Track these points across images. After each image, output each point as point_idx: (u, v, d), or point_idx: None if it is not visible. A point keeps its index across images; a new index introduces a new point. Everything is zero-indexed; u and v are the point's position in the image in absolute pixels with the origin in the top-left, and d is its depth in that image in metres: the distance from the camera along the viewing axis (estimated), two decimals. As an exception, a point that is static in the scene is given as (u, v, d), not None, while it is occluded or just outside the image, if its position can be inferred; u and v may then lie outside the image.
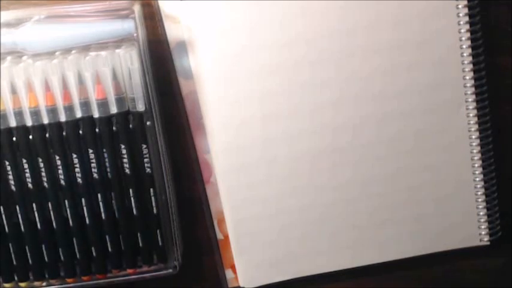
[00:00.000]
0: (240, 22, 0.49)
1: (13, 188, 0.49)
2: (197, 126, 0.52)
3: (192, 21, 0.49)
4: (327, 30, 0.50)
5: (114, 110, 0.48)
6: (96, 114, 0.48)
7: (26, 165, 0.48)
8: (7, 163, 0.48)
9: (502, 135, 0.54)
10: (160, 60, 0.50)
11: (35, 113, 0.47)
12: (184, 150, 0.52)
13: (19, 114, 0.47)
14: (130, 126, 0.48)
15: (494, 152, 0.53)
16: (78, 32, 0.46)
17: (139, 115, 0.48)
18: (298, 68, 0.50)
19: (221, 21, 0.49)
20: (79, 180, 0.49)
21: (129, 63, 0.47)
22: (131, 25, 0.46)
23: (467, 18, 0.50)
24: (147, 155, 0.49)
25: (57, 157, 0.48)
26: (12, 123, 0.48)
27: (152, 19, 0.50)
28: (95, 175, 0.48)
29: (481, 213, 0.54)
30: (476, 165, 0.53)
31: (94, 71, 0.47)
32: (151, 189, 0.50)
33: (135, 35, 0.46)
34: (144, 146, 0.48)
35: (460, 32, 0.50)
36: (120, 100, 0.48)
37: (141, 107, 0.48)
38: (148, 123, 0.48)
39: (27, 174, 0.48)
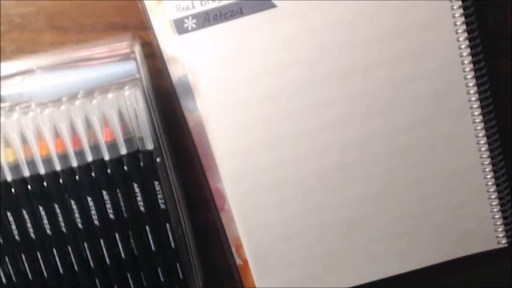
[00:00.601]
0: (238, 51, 0.50)
1: (32, 235, 0.50)
2: (206, 157, 0.53)
3: (191, 54, 0.50)
4: (327, 49, 0.51)
5: (123, 150, 0.49)
6: (106, 157, 0.49)
7: (43, 213, 0.50)
8: (24, 212, 0.49)
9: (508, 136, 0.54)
10: (165, 95, 0.52)
11: (47, 161, 0.49)
12: (196, 181, 0.54)
13: (32, 163, 0.49)
14: (141, 164, 0.49)
15: (504, 154, 0.54)
16: (82, 78, 0.48)
17: (149, 153, 0.49)
18: (300, 90, 0.51)
19: (219, 52, 0.50)
20: (96, 222, 0.50)
21: (134, 103, 0.48)
22: (133, 66, 0.48)
23: (464, 26, 0.51)
24: (160, 191, 0.50)
25: (72, 201, 0.49)
26: (26, 172, 0.49)
27: (153, 56, 0.51)
28: (111, 215, 0.50)
29: (497, 216, 0.54)
30: (487, 169, 0.53)
31: (101, 114, 0.49)
32: (167, 224, 0.51)
33: (137, 75, 0.47)
34: (157, 182, 0.50)
35: (458, 40, 0.51)
36: (128, 140, 0.49)
37: (149, 145, 0.49)
38: (158, 160, 0.49)
39: (45, 221, 0.50)
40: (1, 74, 0.48)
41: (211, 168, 0.53)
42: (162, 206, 0.50)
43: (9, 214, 0.50)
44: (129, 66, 0.47)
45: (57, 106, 0.48)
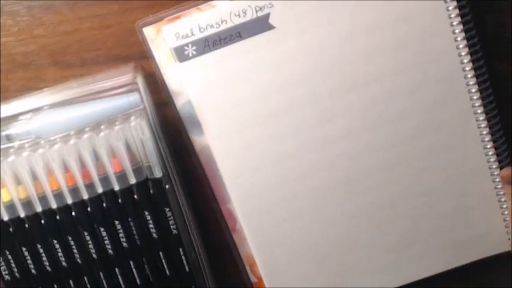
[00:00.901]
0: (239, 73, 0.52)
1: (48, 268, 0.51)
2: (215, 179, 0.54)
3: (193, 80, 0.52)
4: (327, 65, 0.52)
5: (133, 180, 0.51)
6: (116, 187, 0.51)
7: (57, 246, 0.51)
8: (39, 246, 0.51)
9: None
10: (171, 122, 0.53)
11: (59, 195, 0.50)
12: (207, 204, 0.55)
13: (43, 198, 0.50)
14: (151, 192, 0.51)
15: (511, 156, 0.54)
16: (88, 112, 0.49)
17: (158, 181, 0.51)
18: (303, 106, 0.52)
19: (221, 76, 0.52)
20: (110, 251, 0.51)
21: (140, 133, 0.50)
22: (136, 98, 0.49)
23: (463, 33, 0.51)
24: (171, 217, 0.51)
25: (85, 233, 0.51)
26: (38, 208, 0.51)
27: (156, 84, 0.52)
28: (125, 244, 0.51)
29: (507, 218, 0.55)
30: (495, 172, 0.54)
31: (108, 146, 0.50)
32: (181, 249, 0.52)
33: (141, 106, 0.48)
34: (167, 209, 0.51)
35: (458, 48, 0.51)
36: (137, 170, 0.50)
37: (158, 173, 0.50)
38: (167, 186, 0.51)
39: (60, 254, 0.51)
40: (8, 113, 0.49)
41: (220, 190, 0.54)
42: (174, 232, 0.52)
43: (24, 249, 0.51)
44: (133, 98, 0.49)
45: (65, 141, 0.50)
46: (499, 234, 0.55)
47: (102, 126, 0.50)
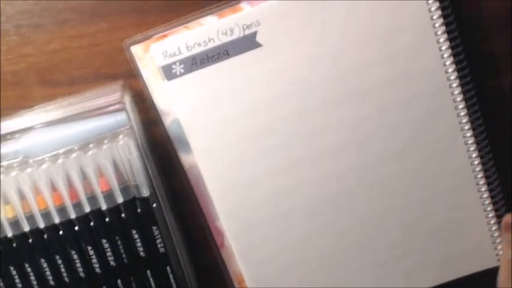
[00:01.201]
0: (227, 91, 0.52)
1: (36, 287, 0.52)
2: (203, 197, 0.55)
3: (181, 98, 0.52)
4: (314, 82, 0.52)
5: (120, 199, 0.51)
6: (104, 206, 0.51)
7: (45, 265, 0.51)
8: (27, 265, 0.51)
9: (502, 153, 0.55)
10: (159, 140, 0.54)
11: (46, 214, 0.51)
12: (195, 221, 0.55)
13: (31, 217, 0.51)
14: (138, 211, 0.51)
15: (498, 171, 0.55)
16: (76, 132, 0.50)
17: (145, 200, 0.51)
18: (291, 123, 0.53)
19: (208, 94, 0.52)
20: (97, 270, 0.52)
21: (127, 153, 0.50)
22: (124, 117, 0.50)
23: (450, 51, 0.52)
24: (159, 236, 0.52)
25: (73, 252, 0.51)
26: (26, 227, 0.51)
27: (144, 102, 0.53)
28: (112, 263, 0.52)
29: (495, 234, 0.55)
30: (482, 189, 0.54)
31: (96, 166, 0.50)
32: (168, 267, 0.53)
33: (128, 126, 0.49)
34: (155, 227, 0.52)
35: (445, 65, 0.52)
36: (125, 189, 0.51)
37: (145, 192, 0.51)
38: (154, 205, 0.51)
39: (48, 273, 0.52)
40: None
41: (208, 208, 0.55)
42: (162, 250, 0.52)
43: (12, 269, 0.52)
44: (120, 117, 0.49)
45: (53, 161, 0.50)
46: (486, 250, 0.56)
47: (91, 145, 0.50)
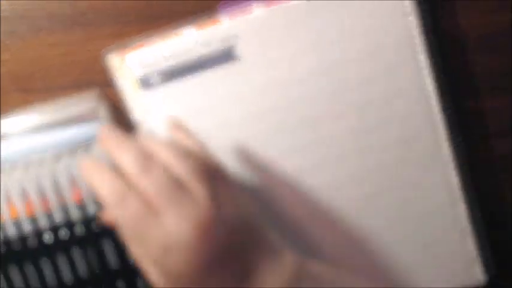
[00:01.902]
0: (204, 103, 0.53)
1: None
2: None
3: (157, 109, 0.53)
4: (291, 99, 0.53)
5: (93, 210, 0.52)
6: (75, 217, 0.52)
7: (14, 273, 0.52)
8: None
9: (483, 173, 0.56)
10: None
11: (17, 223, 0.52)
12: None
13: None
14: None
15: (477, 190, 0.55)
16: (50, 141, 0.51)
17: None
18: (266, 139, 0.54)
19: (185, 105, 0.53)
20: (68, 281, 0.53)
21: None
22: (98, 127, 0.50)
23: (430, 72, 0.52)
24: None
25: (42, 261, 0.52)
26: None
27: (120, 112, 0.54)
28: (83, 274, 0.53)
29: (473, 254, 0.56)
30: (460, 209, 0.55)
31: (69, 176, 0.51)
32: (138, 278, 0.54)
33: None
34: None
35: (424, 85, 0.53)
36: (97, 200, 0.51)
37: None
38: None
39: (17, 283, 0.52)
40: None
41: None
42: (133, 261, 0.52)
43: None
44: (95, 127, 0.49)
45: (25, 169, 0.51)
46: (464, 269, 0.56)
47: (64, 155, 0.51)
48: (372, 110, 0.53)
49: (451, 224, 0.55)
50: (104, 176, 0.45)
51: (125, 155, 0.45)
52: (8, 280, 0.52)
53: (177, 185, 0.44)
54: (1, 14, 0.54)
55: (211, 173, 0.46)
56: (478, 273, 0.56)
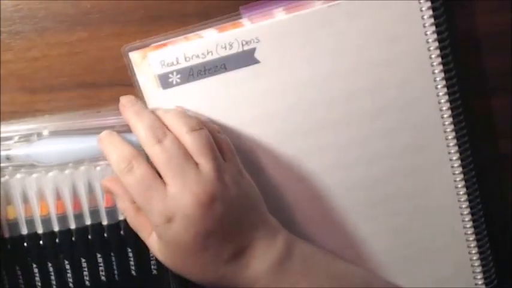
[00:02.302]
0: (222, 104, 0.54)
1: (24, 291, 0.55)
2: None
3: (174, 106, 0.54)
4: (306, 103, 0.55)
5: (122, 216, 0.54)
6: (105, 221, 0.54)
7: (36, 270, 0.54)
8: (18, 268, 0.54)
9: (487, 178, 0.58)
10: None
11: (46, 221, 0.54)
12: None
13: (30, 222, 0.54)
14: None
15: (484, 200, 0.57)
16: (88, 146, 0.52)
17: (147, 220, 0.53)
18: (281, 142, 0.55)
19: (203, 106, 0.54)
20: (87, 282, 0.55)
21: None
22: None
23: (444, 82, 0.54)
24: (153, 258, 0.55)
25: (66, 262, 0.54)
26: (24, 230, 0.54)
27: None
28: (103, 278, 0.55)
29: (476, 264, 0.58)
30: (466, 219, 0.57)
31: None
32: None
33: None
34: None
35: (438, 95, 0.54)
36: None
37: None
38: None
39: (37, 278, 0.55)
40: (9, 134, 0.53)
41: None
42: (154, 272, 0.55)
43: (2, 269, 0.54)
44: (135, 138, 0.50)
45: (61, 169, 0.53)
46: (466, 277, 0.59)
47: (100, 160, 0.53)
48: (385, 116, 0.55)
49: (454, 231, 0.58)
50: (114, 143, 0.48)
51: (140, 124, 0.48)
52: (29, 275, 0.54)
53: (185, 158, 0.47)
54: (5, 14, 0.54)
55: (219, 150, 0.49)
56: (480, 284, 0.59)
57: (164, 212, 0.46)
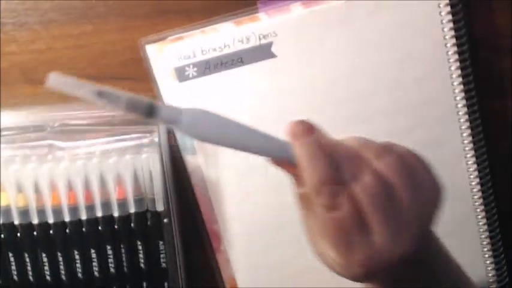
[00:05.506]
0: (238, 98, 0.58)
1: (31, 278, 0.58)
2: (204, 199, 0.61)
3: (192, 101, 0.58)
4: (323, 99, 0.58)
5: (132, 209, 0.58)
6: (116, 214, 0.58)
7: (45, 259, 0.58)
8: (26, 255, 0.58)
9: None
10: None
11: (57, 211, 0.57)
12: (193, 223, 0.61)
13: (41, 211, 0.57)
14: (148, 224, 0.58)
15: (498, 198, 0.61)
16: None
17: (157, 214, 0.58)
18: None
19: (219, 99, 0.58)
20: (96, 273, 0.58)
21: (150, 166, 0.57)
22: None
23: (461, 80, 0.57)
24: (163, 251, 0.59)
25: (75, 252, 0.58)
26: (35, 220, 0.57)
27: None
28: (112, 269, 0.58)
29: (488, 261, 0.61)
30: (479, 216, 0.60)
31: (116, 174, 0.57)
32: (166, 283, 0.59)
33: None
34: (161, 242, 0.58)
35: (454, 92, 0.58)
36: (139, 201, 0.58)
37: (160, 207, 0.58)
38: (165, 220, 0.58)
39: (46, 267, 0.58)
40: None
41: (208, 210, 0.61)
42: (163, 265, 0.59)
43: (11, 255, 0.58)
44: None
45: (73, 161, 0.57)
46: (479, 273, 0.62)
47: (113, 153, 0.57)
48: (403, 113, 0.58)
49: (468, 231, 0.61)
50: (316, 162, 0.43)
51: (312, 170, 0.43)
52: (37, 264, 0.58)
53: (388, 195, 0.42)
54: (10, 6, 0.57)
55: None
56: (492, 281, 0.62)
57: (365, 254, 0.42)
